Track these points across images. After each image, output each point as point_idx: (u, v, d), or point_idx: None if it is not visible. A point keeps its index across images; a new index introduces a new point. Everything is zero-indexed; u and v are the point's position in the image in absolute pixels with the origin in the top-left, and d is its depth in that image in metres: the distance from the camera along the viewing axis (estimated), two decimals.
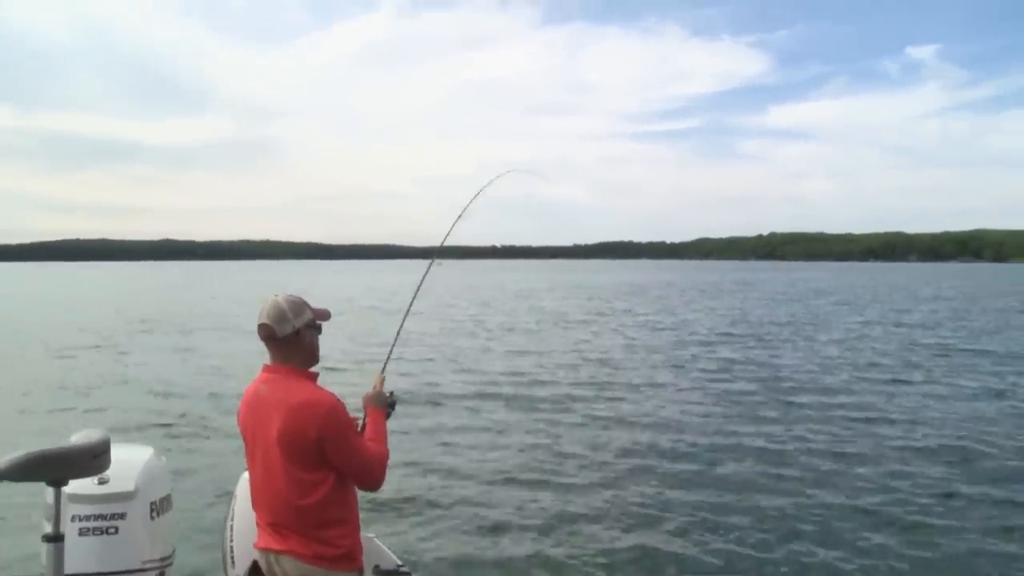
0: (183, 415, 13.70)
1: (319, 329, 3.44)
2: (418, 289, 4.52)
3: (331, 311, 3.53)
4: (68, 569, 3.14)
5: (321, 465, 3.16)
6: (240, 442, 3.45)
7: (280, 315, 3.26)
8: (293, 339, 3.29)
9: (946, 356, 21.87)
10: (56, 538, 3.06)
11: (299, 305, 3.33)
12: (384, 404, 3.65)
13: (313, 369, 3.40)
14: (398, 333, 4.40)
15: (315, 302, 3.41)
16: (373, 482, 3.31)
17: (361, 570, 3.37)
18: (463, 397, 15.05)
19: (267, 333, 3.29)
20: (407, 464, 9.99)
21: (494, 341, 25.64)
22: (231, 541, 4.01)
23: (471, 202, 4.90)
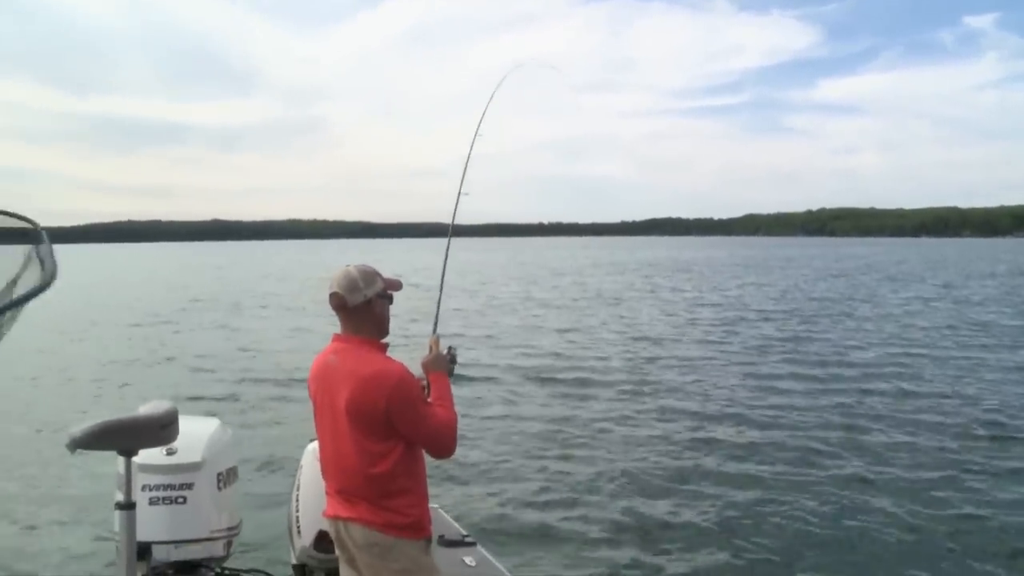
0: (247, 388, 14.02)
1: (391, 299, 3.41)
2: (446, 259, 4.50)
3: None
4: (140, 537, 3.22)
5: (390, 435, 3.15)
6: (305, 412, 3.48)
7: (351, 284, 3.24)
8: (364, 308, 3.27)
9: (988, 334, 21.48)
10: (128, 506, 3.13)
11: (371, 275, 3.31)
12: (445, 366, 3.57)
13: (384, 340, 3.38)
14: (441, 290, 4.36)
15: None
16: (445, 450, 3.29)
17: (429, 539, 3.36)
18: (522, 371, 15.13)
19: (338, 302, 3.27)
20: (470, 436, 10.06)
21: (544, 318, 25.66)
22: (297, 511, 4.06)
23: (482, 117, 4.85)
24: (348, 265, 3.34)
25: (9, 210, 2.22)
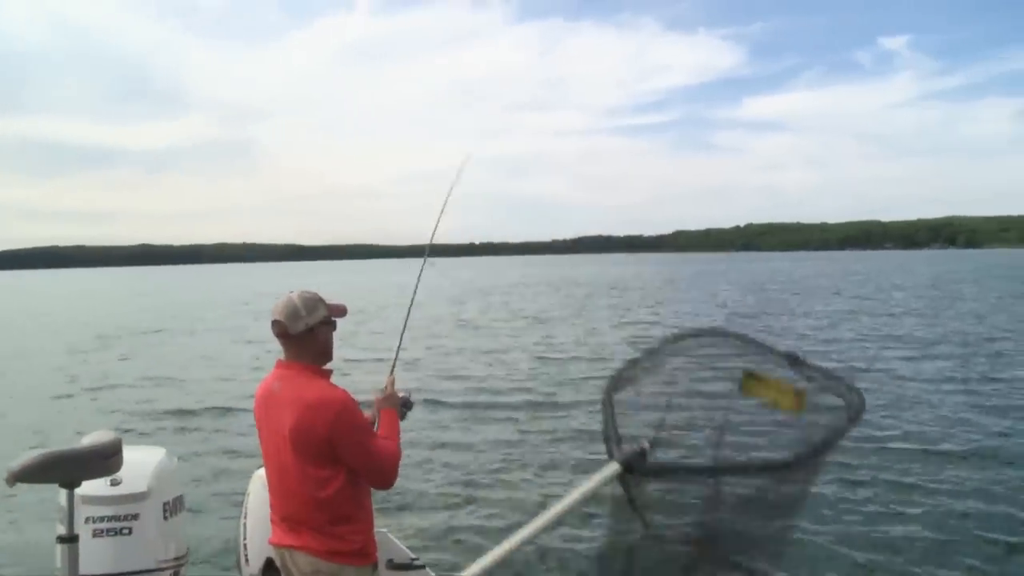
0: (189, 416, 13.67)
1: (334, 326, 3.41)
2: (416, 289, 4.46)
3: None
4: (83, 570, 3.15)
5: (333, 462, 3.14)
6: (250, 439, 3.46)
7: (293, 312, 3.24)
8: (306, 336, 3.26)
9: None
10: (70, 539, 3.07)
11: (313, 302, 3.30)
12: (396, 405, 3.59)
13: (327, 366, 3.37)
14: (402, 334, 4.32)
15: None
16: (384, 481, 3.26)
17: (375, 565, 3.36)
18: (468, 394, 14.96)
19: (280, 330, 3.27)
20: (419, 459, 9.93)
21: (486, 339, 25.58)
22: (244, 539, 4.00)
23: (447, 199, 4.76)
24: (291, 292, 3.34)
25: None
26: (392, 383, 3.73)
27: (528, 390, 15.37)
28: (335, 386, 3.26)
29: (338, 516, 3.17)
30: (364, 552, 3.26)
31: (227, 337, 27.42)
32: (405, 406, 3.71)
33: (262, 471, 4.10)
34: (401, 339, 4.17)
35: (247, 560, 3.97)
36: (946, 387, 14.68)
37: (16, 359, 23.60)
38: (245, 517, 4.04)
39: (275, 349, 3.35)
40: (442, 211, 4.70)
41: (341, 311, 3.44)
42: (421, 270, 4.54)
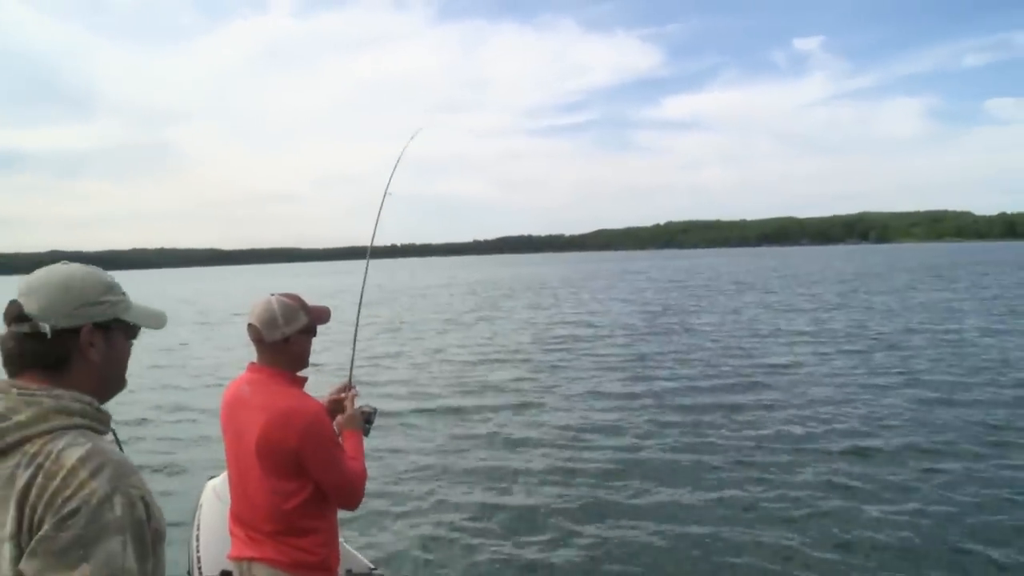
0: (133, 426, 13.05)
1: (314, 333, 3.20)
2: (362, 293, 4.31)
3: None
4: None
5: (299, 475, 2.97)
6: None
7: (271, 321, 3.04)
8: (281, 345, 3.08)
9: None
10: None
11: (293, 310, 3.09)
12: (360, 425, 3.43)
13: (301, 374, 3.18)
14: (354, 344, 4.06)
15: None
16: (351, 500, 3.12)
17: None
18: (417, 400, 14.56)
19: (255, 336, 3.08)
20: (379, 470, 9.63)
21: (419, 341, 25.36)
22: (198, 552, 3.82)
23: (391, 178, 4.47)
24: (272, 295, 3.12)
25: None
26: (352, 399, 3.53)
27: (460, 393, 15.23)
28: (308, 396, 3.08)
29: (301, 528, 3.02)
30: (326, 565, 3.11)
31: (152, 344, 26.56)
32: (368, 421, 3.52)
33: (213, 482, 3.91)
34: (354, 350, 3.94)
35: (201, 573, 3.78)
36: (862, 382, 14.96)
37: None
38: (198, 529, 3.85)
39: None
40: (382, 204, 4.39)
41: (324, 316, 3.22)
42: (366, 272, 4.26)
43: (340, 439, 3.26)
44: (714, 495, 8.57)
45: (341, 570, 3.43)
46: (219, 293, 69.22)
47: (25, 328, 1.72)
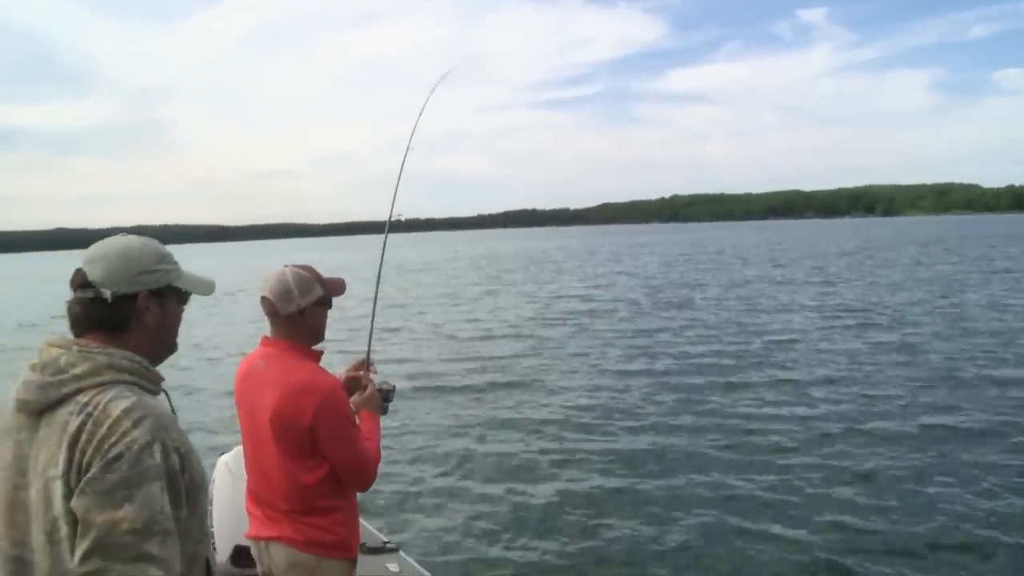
0: None
1: (329, 304, 3.09)
2: (380, 268, 4.00)
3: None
4: None
5: (316, 453, 2.88)
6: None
7: (285, 293, 2.93)
8: (296, 318, 2.97)
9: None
10: None
11: (308, 282, 2.98)
12: (377, 407, 3.28)
13: (316, 347, 3.08)
14: (372, 321, 3.84)
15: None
16: (364, 482, 3.01)
17: (355, 560, 3.11)
18: (423, 377, 14.49)
19: (269, 308, 2.98)
20: (392, 445, 9.67)
21: (422, 315, 25.34)
22: (212, 527, 3.81)
23: (414, 130, 4.20)
24: (285, 266, 3.02)
25: None
26: (369, 377, 3.38)
27: (467, 370, 15.20)
28: (324, 371, 2.99)
29: (320, 507, 2.93)
30: (346, 545, 3.01)
31: None
32: (386, 400, 3.37)
33: (226, 457, 3.89)
34: (372, 326, 3.74)
35: (215, 549, 3.78)
36: (865, 358, 14.98)
37: None
38: (211, 505, 3.85)
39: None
40: (404, 160, 4.15)
41: (340, 288, 3.12)
42: (384, 247, 4.03)
43: (356, 418, 3.15)
44: (720, 476, 8.55)
45: None
46: (222, 268, 69.23)
47: (89, 294, 1.90)
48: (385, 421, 3.30)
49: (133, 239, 2.01)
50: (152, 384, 1.91)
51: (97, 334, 1.90)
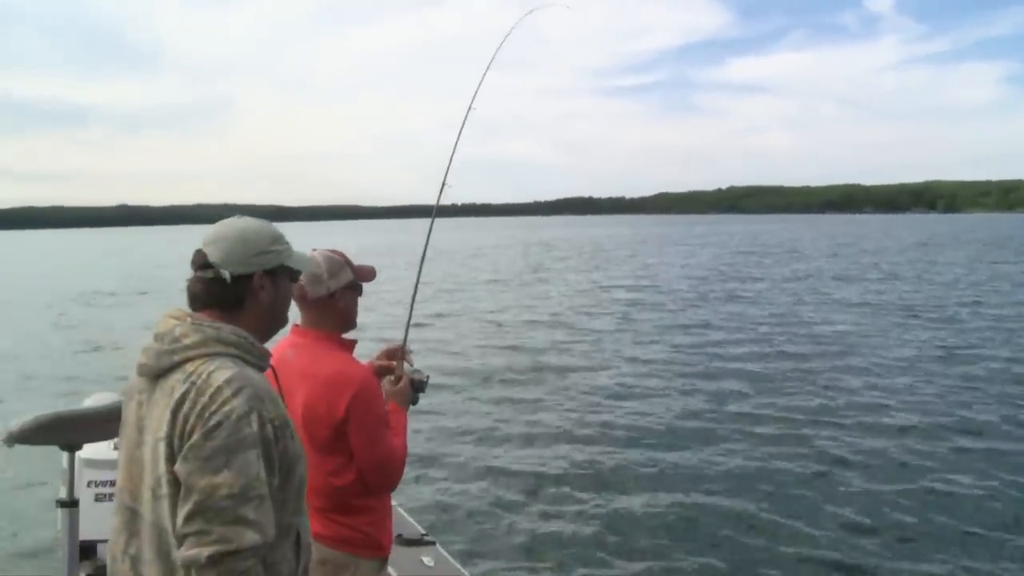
0: None
1: (360, 290, 3.01)
2: (424, 252, 3.76)
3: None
4: (84, 535, 3.07)
5: (347, 449, 2.80)
6: None
7: (315, 275, 2.82)
8: (327, 302, 2.88)
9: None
10: (71, 503, 2.99)
11: (338, 264, 2.90)
12: (407, 402, 3.13)
13: (348, 336, 2.98)
14: (411, 308, 3.65)
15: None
16: (389, 482, 2.92)
17: (387, 559, 3.06)
18: (465, 367, 14.57)
19: (298, 293, 2.80)
20: (432, 435, 9.80)
21: (472, 302, 25.45)
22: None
23: (479, 87, 3.95)
24: (314, 249, 2.94)
25: None
26: (402, 366, 3.23)
27: (519, 361, 15.17)
28: (356, 361, 2.92)
29: (352, 505, 2.87)
30: (377, 544, 2.95)
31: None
32: (419, 390, 3.21)
33: None
34: (411, 309, 3.57)
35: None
36: (912, 356, 14.86)
37: (7, 320, 23.31)
38: None
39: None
40: (451, 158, 3.84)
41: (369, 274, 3.03)
42: (429, 231, 3.80)
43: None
44: (763, 465, 8.66)
45: (392, 533, 3.38)
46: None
47: (209, 274, 2.03)
48: (423, 409, 3.25)
49: (250, 221, 2.14)
50: (257, 359, 2.03)
51: (214, 310, 2.04)
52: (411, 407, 3.19)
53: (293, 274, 2.22)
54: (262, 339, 2.11)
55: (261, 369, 2.04)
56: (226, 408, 1.82)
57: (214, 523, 1.75)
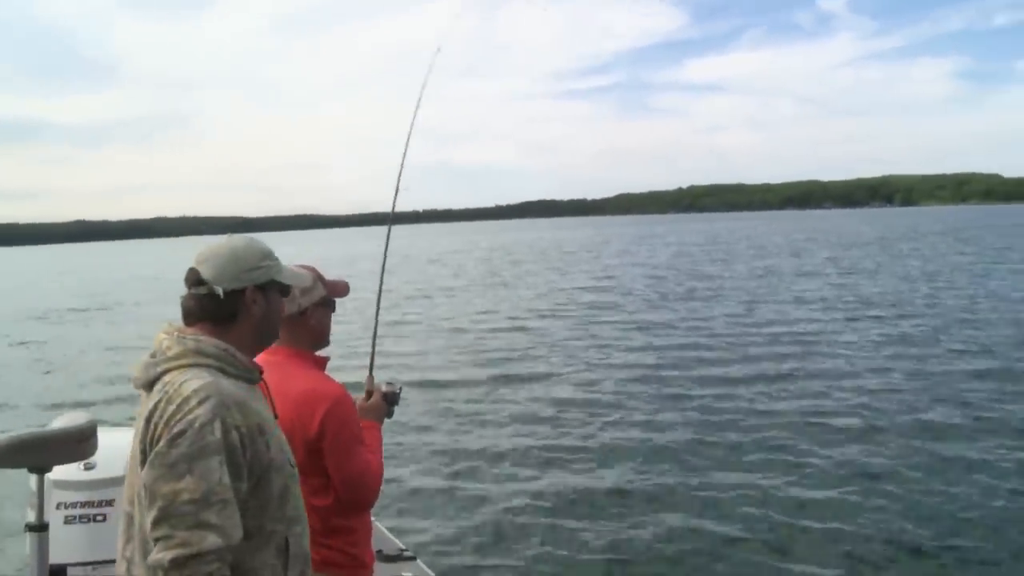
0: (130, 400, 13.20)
1: (332, 307, 2.98)
2: (384, 261, 3.78)
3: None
4: (53, 559, 2.99)
5: (324, 470, 2.76)
6: None
7: None
8: (297, 319, 2.82)
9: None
10: (40, 527, 2.90)
11: (310, 280, 2.80)
12: (380, 417, 3.12)
13: (321, 353, 2.95)
14: (376, 322, 3.68)
15: None
16: (365, 500, 2.87)
17: None
18: (446, 376, 14.35)
19: None
20: (408, 448, 9.73)
21: (432, 309, 25.39)
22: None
23: (415, 115, 3.99)
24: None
25: None
26: (372, 384, 3.22)
27: (486, 366, 15.18)
28: (329, 378, 2.86)
29: (332, 526, 2.80)
30: (359, 563, 2.90)
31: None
32: (392, 403, 3.20)
33: None
34: (376, 328, 3.59)
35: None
36: (875, 351, 14.96)
37: None
38: None
39: None
40: (403, 160, 3.93)
41: (343, 290, 2.99)
42: (387, 240, 3.88)
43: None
44: (743, 474, 8.68)
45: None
46: None
47: (203, 290, 2.13)
48: (394, 419, 3.19)
49: (239, 239, 2.24)
50: (241, 371, 2.11)
51: (207, 324, 2.13)
52: (388, 419, 3.17)
53: (284, 288, 2.32)
54: (253, 352, 2.21)
55: (250, 381, 2.13)
56: (190, 416, 1.88)
57: (177, 528, 1.81)
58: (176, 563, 1.79)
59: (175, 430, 1.87)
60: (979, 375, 12.42)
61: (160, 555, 1.81)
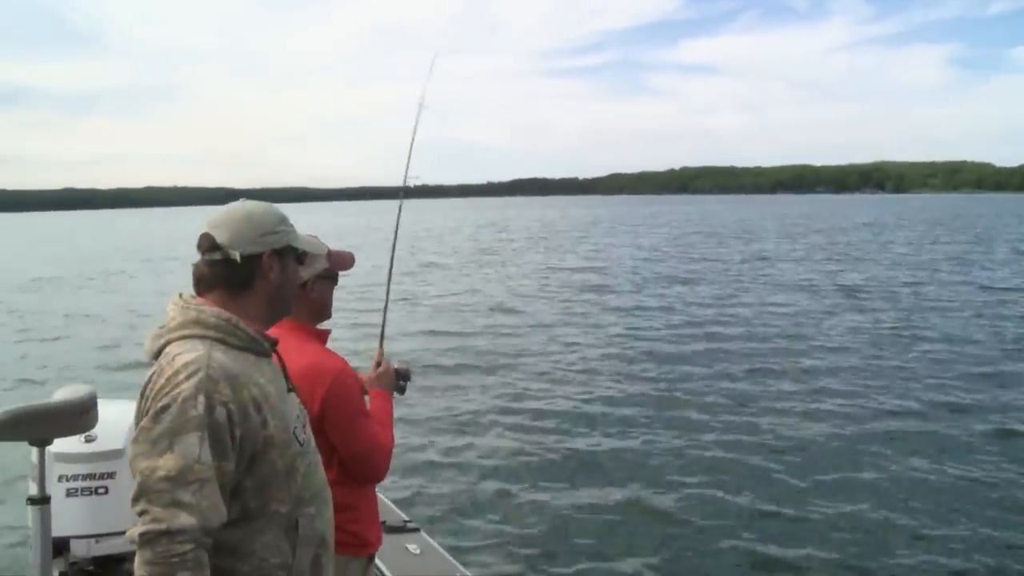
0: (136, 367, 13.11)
1: (335, 279, 2.89)
2: (395, 236, 3.65)
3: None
4: (56, 532, 2.99)
5: (326, 447, 2.63)
6: None
7: None
8: (299, 291, 2.64)
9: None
10: (42, 500, 2.90)
11: (313, 251, 2.66)
12: (391, 386, 3.03)
13: (323, 326, 2.87)
14: (387, 295, 3.59)
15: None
16: (375, 473, 2.81)
17: (372, 556, 2.96)
18: (439, 354, 14.22)
19: None
20: (413, 421, 9.74)
21: (425, 286, 25.37)
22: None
23: (420, 109, 3.82)
24: None
25: None
26: (381, 356, 3.12)
27: (491, 347, 15.07)
28: (330, 352, 2.79)
29: (336, 504, 2.65)
30: (363, 541, 2.85)
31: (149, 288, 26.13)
32: (403, 379, 3.11)
33: None
34: (387, 301, 3.47)
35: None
36: (863, 339, 15.01)
37: None
38: None
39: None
40: (412, 141, 3.82)
41: (346, 262, 2.89)
42: (399, 214, 3.76)
43: (367, 398, 2.94)
44: (732, 454, 8.73)
45: None
46: None
47: (217, 255, 2.03)
48: (413, 396, 3.13)
49: (254, 203, 2.15)
50: (246, 341, 2.01)
51: (219, 292, 2.05)
52: (399, 395, 3.11)
53: (299, 256, 2.24)
54: (266, 323, 2.13)
55: (258, 352, 2.03)
56: (175, 391, 1.81)
57: (153, 504, 1.75)
58: (146, 538, 1.73)
59: (159, 404, 1.81)
60: (958, 362, 12.63)
61: (134, 530, 1.76)
